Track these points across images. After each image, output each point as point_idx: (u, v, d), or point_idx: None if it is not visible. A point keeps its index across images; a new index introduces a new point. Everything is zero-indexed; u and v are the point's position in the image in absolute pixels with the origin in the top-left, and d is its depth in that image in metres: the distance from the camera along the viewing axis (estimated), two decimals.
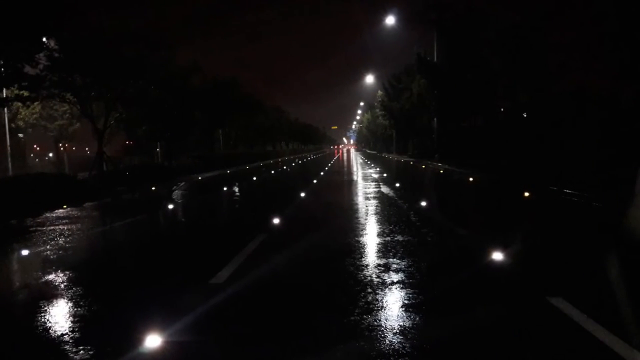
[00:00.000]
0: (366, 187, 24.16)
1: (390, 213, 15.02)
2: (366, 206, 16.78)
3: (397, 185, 24.17)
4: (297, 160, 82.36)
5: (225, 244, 11.31)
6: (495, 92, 38.65)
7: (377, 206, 16.68)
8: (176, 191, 26.41)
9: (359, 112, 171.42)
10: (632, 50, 22.99)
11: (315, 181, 29.00)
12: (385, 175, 33.02)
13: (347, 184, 26.91)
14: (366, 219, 13.95)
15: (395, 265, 8.48)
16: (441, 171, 36.88)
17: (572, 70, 31.43)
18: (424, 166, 45.12)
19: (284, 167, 53.31)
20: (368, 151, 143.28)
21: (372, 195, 20.21)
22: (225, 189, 26.69)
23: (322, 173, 37.86)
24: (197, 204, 21.06)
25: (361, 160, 65.75)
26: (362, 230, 12.23)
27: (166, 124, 38.92)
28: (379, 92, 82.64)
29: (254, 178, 35.46)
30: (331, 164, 58.26)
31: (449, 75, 43.12)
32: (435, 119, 53.00)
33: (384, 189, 22.39)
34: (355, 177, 32.01)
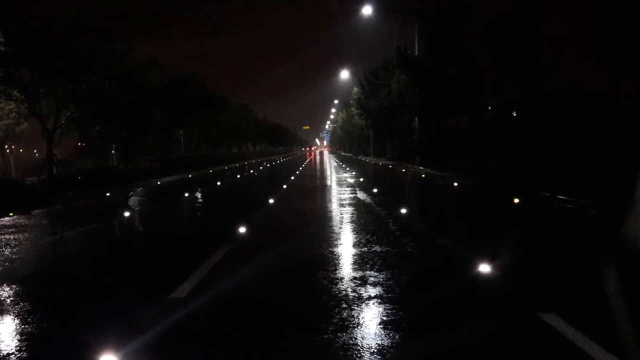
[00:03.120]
0: (341, 192, 24.18)
1: (367, 221, 15.05)
2: (341, 214, 16.80)
3: (375, 190, 24.18)
4: (265, 163, 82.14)
5: (187, 255, 11.29)
6: (482, 89, 38.71)
7: (352, 213, 16.71)
8: (133, 197, 26.22)
9: (333, 110, 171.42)
10: (631, 43, 23.21)
11: (285, 186, 28.96)
12: (361, 179, 33.05)
13: (320, 190, 26.89)
14: (341, 228, 13.97)
15: (372, 279, 8.51)
16: (423, 175, 36.98)
17: (567, 64, 31.56)
18: (403, 170, 45.18)
19: (251, 171, 53.15)
20: (343, 153, 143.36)
21: (347, 201, 20.23)
22: (186, 195, 26.58)
23: (292, 177, 37.83)
24: (155, 212, 20.94)
25: (335, 164, 65.74)
26: (336, 240, 12.25)
27: (122, 124, 38.68)
28: (355, 89, 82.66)
29: (218, 183, 35.34)
30: (303, 167, 58.20)
31: (431, 70, 43.16)
32: (416, 118, 53.08)
33: (360, 195, 22.42)
34: (329, 182, 31.98)
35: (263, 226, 15.19)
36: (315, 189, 27.84)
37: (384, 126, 68.93)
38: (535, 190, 21.01)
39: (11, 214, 19.57)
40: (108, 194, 27.13)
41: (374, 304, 7.22)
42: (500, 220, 15.66)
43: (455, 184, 27.40)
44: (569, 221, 15.01)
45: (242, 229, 13.49)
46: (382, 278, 8.55)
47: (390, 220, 15.08)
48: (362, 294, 7.71)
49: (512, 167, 28.36)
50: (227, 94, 69.40)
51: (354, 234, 12.92)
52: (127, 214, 19.05)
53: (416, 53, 48.21)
